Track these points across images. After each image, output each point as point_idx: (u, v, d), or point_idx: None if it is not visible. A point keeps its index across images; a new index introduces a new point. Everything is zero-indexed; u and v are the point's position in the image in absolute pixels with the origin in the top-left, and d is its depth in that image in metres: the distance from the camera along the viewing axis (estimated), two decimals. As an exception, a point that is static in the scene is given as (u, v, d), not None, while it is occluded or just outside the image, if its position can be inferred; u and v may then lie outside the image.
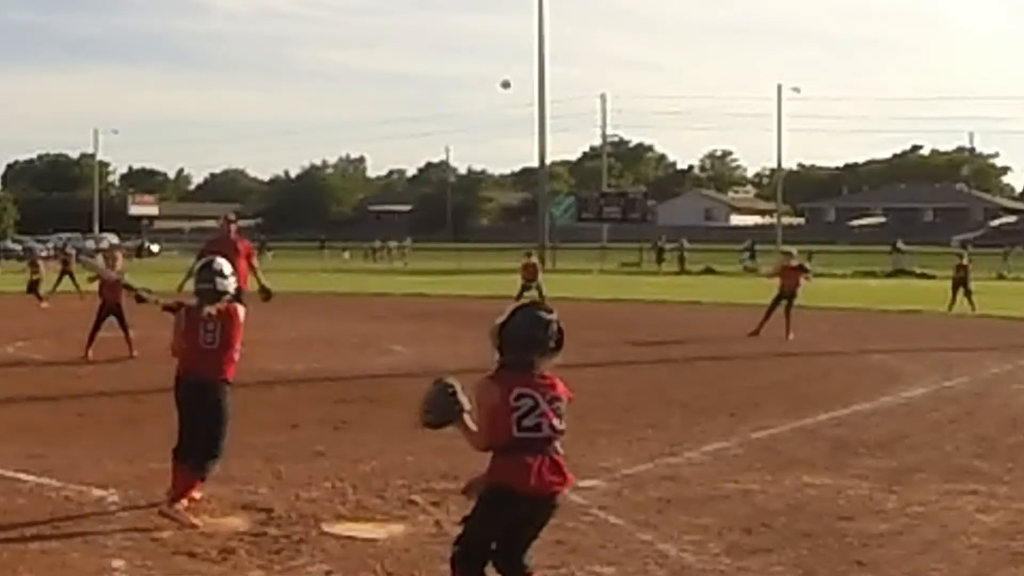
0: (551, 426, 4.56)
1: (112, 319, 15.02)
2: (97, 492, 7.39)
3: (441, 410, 4.67)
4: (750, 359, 16.09)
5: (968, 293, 24.91)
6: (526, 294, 22.31)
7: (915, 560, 6.20)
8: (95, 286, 15.00)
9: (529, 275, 24.35)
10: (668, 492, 7.62)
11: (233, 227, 15.22)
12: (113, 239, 72.10)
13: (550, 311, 4.74)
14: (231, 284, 7.11)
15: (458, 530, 4.82)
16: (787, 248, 22.16)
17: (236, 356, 7.02)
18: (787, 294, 18.65)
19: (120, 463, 8.31)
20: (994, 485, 7.95)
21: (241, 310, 7.11)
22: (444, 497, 7.25)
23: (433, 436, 9.29)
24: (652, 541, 6.45)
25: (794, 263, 19.37)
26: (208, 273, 7.05)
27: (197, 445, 6.91)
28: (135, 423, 10.32)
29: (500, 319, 4.70)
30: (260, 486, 7.58)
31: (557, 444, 4.61)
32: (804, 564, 6.09)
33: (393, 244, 64.02)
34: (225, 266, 7.12)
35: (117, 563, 5.98)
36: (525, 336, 4.62)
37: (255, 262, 15.07)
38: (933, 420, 10.84)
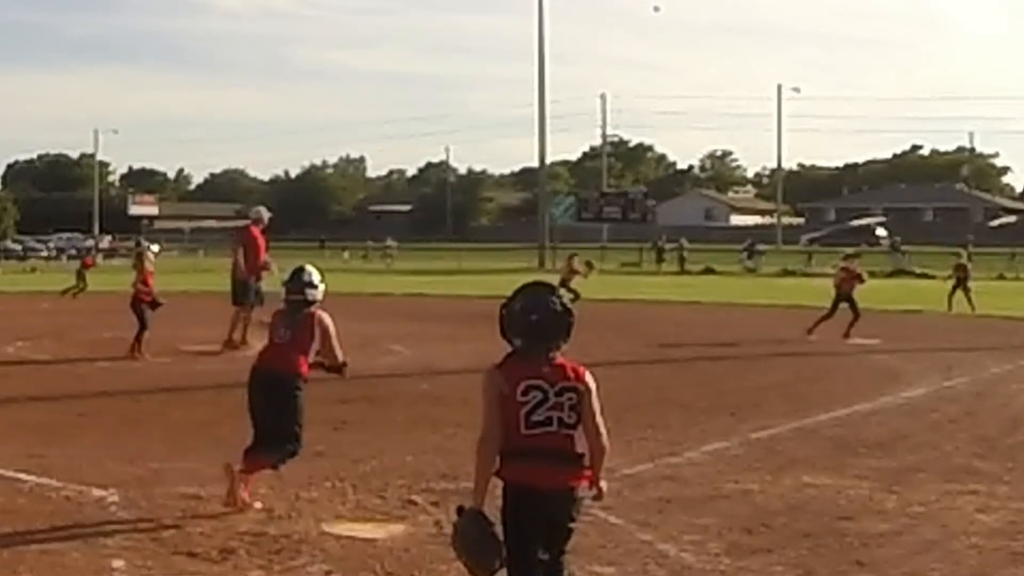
0: (560, 420, 4.31)
1: (132, 318, 15.08)
2: (97, 492, 7.40)
3: (484, 548, 4.24)
4: (750, 359, 16.10)
5: (967, 292, 24.87)
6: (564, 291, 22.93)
7: (915, 560, 6.21)
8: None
9: (567, 276, 24.60)
10: (668, 492, 7.63)
11: (264, 221, 16.42)
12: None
13: (553, 291, 4.50)
14: (320, 293, 7.37)
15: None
16: (849, 251, 22.24)
17: (308, 356, 7.19)
18: (844, 295, 18.70)
19: (120, 463, 8.32)
20: (994, 485, 7.95)
21: (326, 317, 7.30)
22: (444, 497, 7.25)
23: (433, 436, 9.33)
24: (652, 541, 6.46)
25: (853, 267, 19.40)
26: (298, 284, 7.34)
27: (269, 439, 7.10)
28: (135, 423, 10.33)
29: (504, 302, 4.49)
30: (260, 486, 7.57)
31: (570, 437, 4.34)
32: (804, 564, 6.09)
33: (390, 244, 63.82)
34: (315, 275, 7.41)
35: (117, 563, 5.98)
36: (522, 320, 4.38)
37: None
38: (933, 420, 10.84)
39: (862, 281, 19.22)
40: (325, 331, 7.26)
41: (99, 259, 50.27)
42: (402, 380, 13.50)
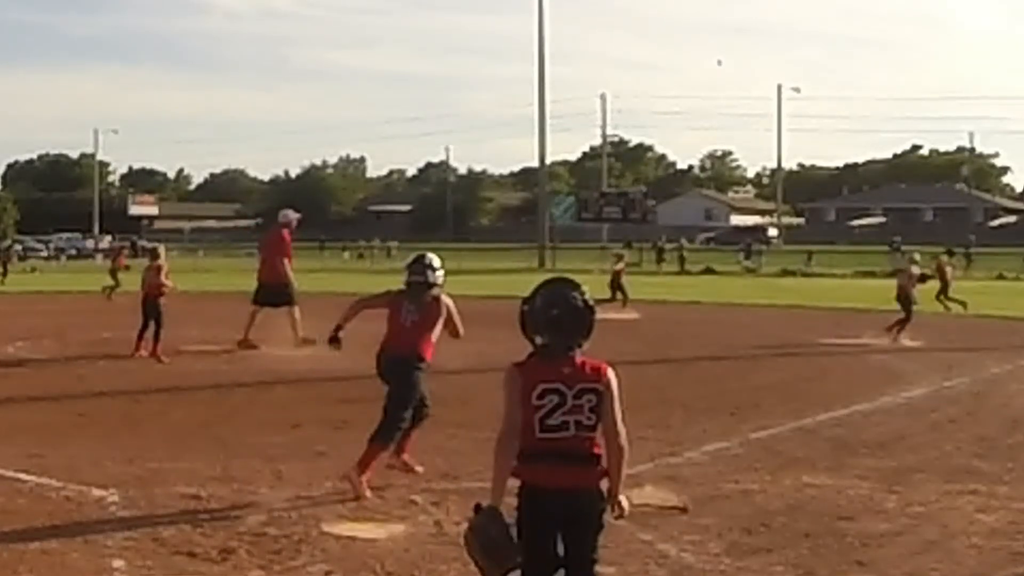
0: (577, 423, 4.17)
1: (137, 318, 15.04)
2: (97, 492, 7.40)
3: (500, 546, 4.07)
4: (750, 359, 16.10)
5: (947, 291, 24.57)
6: (618, 294, 23.94)
7: (915, 560, 6.20)
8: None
9: (615, 276, 24.66)
10: (668, 492, 7.62)
11: (292, 224, 16.60)
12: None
13: (575, 287, 4.37)
14: (440, 277, 7.71)
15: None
16: (915, 257, 22.33)
17: (433, 339, 7.63)
18: (906, 294, 18.77)
19: (120, 463, 8.32)
20: (994, 485, 7.95)
21: (449, 301, 7.67)
22: (444, 497, 7.26)
23: (433, 436, 9.32)
24: (652, 541, 6.45)
25: (914, 271, 19.55)
26: (420, 267, 7.72)
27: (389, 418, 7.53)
28: (135, 423, 10.34)
29: (525, 298, 4.37)
30: (260, 486, 7.58)
31: (588, 439, 4.20)
32: (804, 564, 6.09)
33: (393, 244, 63.81)
34: (435, 260, 7.75)
35: (117, 563, 5.98)
36: (543, 316, 4.25)
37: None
38: (933, 420, 10.84)
39: (923, 281, 19.61)
40: (451, 314, 7.66)
41: (99, 259, 50.33)
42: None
